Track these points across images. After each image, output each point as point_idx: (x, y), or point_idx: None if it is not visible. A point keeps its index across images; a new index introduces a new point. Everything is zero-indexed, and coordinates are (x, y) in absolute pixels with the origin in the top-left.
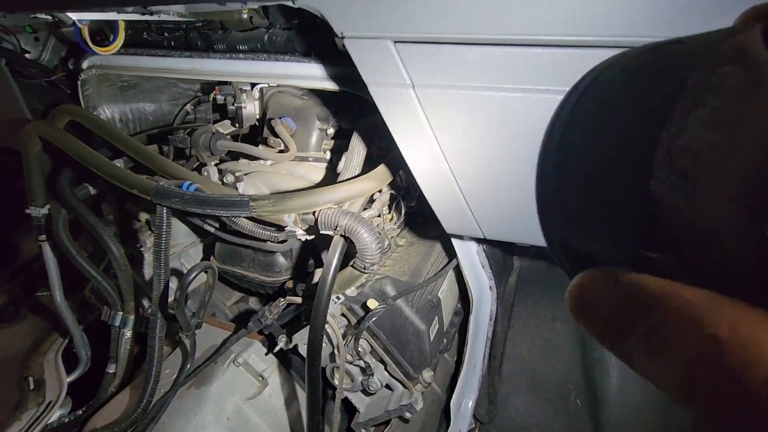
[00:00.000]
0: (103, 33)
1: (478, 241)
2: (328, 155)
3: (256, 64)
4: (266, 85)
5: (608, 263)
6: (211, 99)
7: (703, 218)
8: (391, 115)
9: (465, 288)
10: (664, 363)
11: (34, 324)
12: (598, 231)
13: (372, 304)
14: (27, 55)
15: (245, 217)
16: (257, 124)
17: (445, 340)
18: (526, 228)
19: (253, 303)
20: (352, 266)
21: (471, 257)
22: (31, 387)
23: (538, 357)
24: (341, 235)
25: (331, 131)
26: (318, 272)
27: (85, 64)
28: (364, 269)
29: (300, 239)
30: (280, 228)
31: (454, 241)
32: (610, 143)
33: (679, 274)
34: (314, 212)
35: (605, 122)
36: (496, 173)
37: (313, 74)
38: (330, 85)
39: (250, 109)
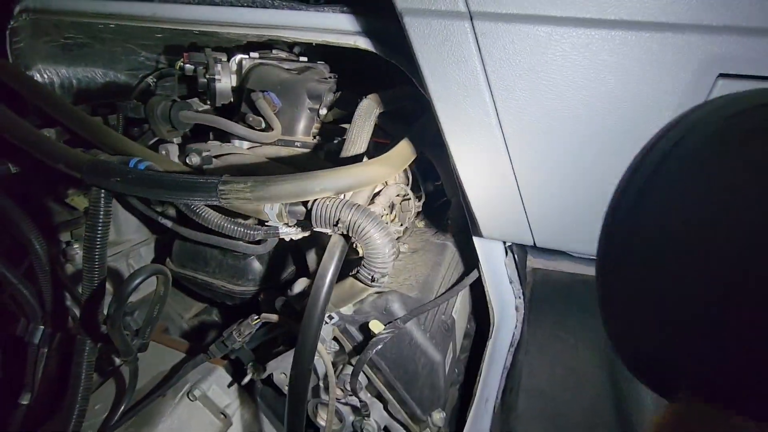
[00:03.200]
0: None
1: (507, 249)
2: (318, 141)
3: (236, 11)
4: (246, 57)
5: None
6: (177, 68)
7: None
8: (432, 63)
9: (478, 305)
10: None
11: None
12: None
13: (376, 326)
14: None
15: (212, 207)
16: (233, 102)
17: (456, 370)
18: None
19: (217, 316)
20: (354, 277)
21: (496, 270)
22: None
23: (559, 390)
24: (342, 234)
25: (323, 112)
26: (301, 282)
27: (16, 9)
28: (372, 281)
29: (284, 238)
30: (260, 223)
31: (479, 248)
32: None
33: None
34: (307, 203)
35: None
36: (576, 158)
37: (313, 24)
38: (336, 39)
39: (225, 83)
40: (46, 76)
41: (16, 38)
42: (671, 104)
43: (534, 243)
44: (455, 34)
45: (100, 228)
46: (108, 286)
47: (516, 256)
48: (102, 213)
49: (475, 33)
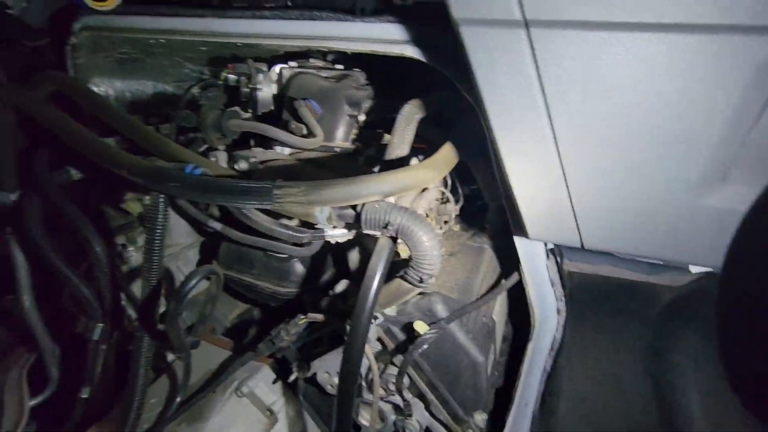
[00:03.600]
0: None
1: (549, 252)
2: (357, 146)
3: (285, 24)
4: (286, 66)
5: None
6: (222, 79)
7: None
8: (486, 69)
9: (515, 309)
10: None
11: None
12: None
13: (421, 327)
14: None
15: (263, 211)
16: (274, 110)
17: (496, 373)
18: (650, 237)
19: (259, 316)
20: (401, 278)
21: (538, 272)
22: None
23: (600, 395)
24: (390, 237)
25: (362, 118)
26: (343, 283)
27: (77, 26)
28: (420, 282)
29: (329, 241)
30: (308, 226)
31: (521, 250)
32: None
33: None
34: (355, 207)
35: None
36: (628, 159)
37: (360, 35)
38: (384, 48)
39: (267, 92)
40: (102, 89)
41: (76, 54)
42: (729, 106)
43: (582, 245)
44: (511, 42)
45: (158, 230)
46: None
47: (557, 259)
48: (161, 216)
49: (530, 40)
